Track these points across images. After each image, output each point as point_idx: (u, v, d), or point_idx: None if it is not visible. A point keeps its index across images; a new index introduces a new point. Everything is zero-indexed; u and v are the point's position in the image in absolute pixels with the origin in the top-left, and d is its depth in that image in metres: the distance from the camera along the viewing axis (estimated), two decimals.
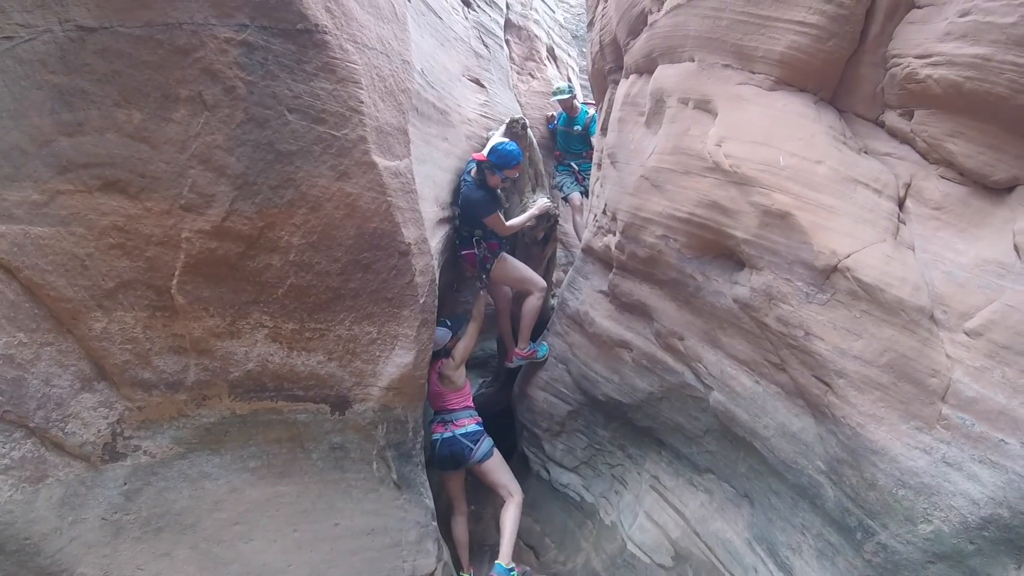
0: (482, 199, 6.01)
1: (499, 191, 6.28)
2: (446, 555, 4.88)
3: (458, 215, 6.18)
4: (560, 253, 9.22)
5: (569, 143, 9.52)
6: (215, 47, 3.37)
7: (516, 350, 6.70)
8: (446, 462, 5.77)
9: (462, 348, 5.97)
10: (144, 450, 3.75)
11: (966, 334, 2.97)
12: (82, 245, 3.42)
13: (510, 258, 6.49)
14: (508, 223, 6.30)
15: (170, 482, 3.81)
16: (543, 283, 6.65)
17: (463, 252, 6.27)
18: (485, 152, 6.01)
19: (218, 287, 3.81)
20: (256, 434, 4.13)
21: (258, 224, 3.75)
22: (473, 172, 6.09)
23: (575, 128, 9.30)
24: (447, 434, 5.79)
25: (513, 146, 6.05)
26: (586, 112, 9.26)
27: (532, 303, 6.51)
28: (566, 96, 9.09)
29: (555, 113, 9.84)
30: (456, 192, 6.24)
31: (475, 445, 5.79)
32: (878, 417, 3.13)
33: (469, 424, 5.89)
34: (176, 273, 3.66)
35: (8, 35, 3.09)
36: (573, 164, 9.50)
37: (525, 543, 6.29)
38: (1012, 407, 2.76)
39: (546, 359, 6.61)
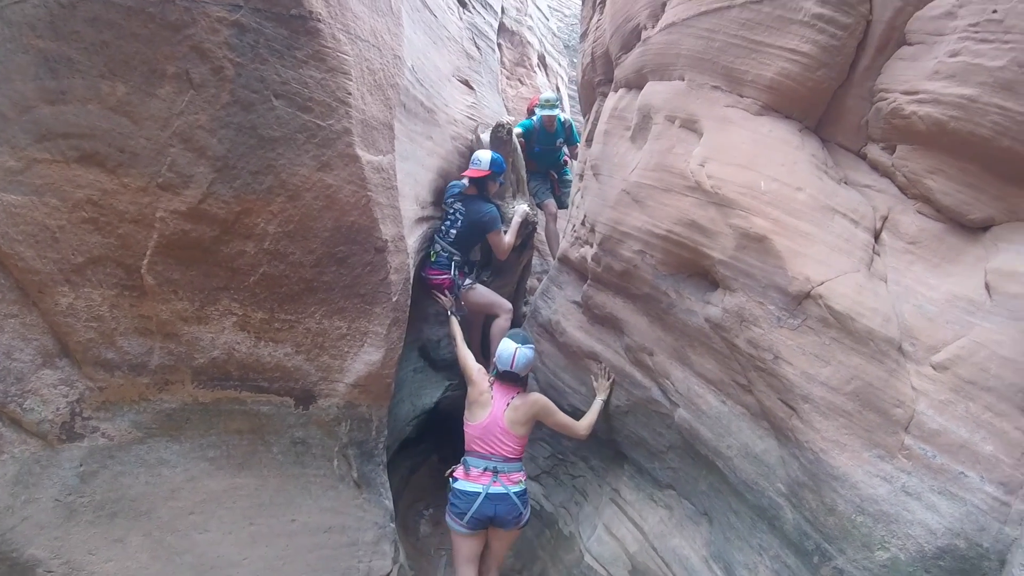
0: (490, 213, 6.18)
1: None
2: (403, 557, 4.85)
3: (451, 236, 6.15)
4: (535, 261, 9.21)
5: (550, 157, 8.92)
6: (206, 25, 3.34)
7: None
8: (480, 522, 4.65)
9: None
10: (102, 432, 3.68)
11: (932, 367, 3.01)
12: (54, 217, 3.36)
13: (478, 287, 6.44)
14: (504, 242, 6.42)
15: (127, 467, 3.74)
16: (509, 305, 6.63)
17: (436, 276, 6.13)
18: (486, 167, 6.18)
19: (189, 270, 3.77)
20: (217, 423, 4.08)
21: (235, 209, 3.72)
22: (467, 190, 6.21)
23: (557, 142, 8.77)
24: (497, 489, 4.64)
25: (494, 152, 6.35)
26: (561, 121, 8.73)
27: (500, 324, 6.49)
28: (554, 112, 8.45)
29: (535, 123, 8.77)
30: (438, 193, 6.26)
31: (526, 509, 4.77)
32: (841, 443, 3.16)
33: (522, 480, 4.82)
34: (148, 253, 3.61)
35: None
36: (552, 172, 9.09)
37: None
38: (974, 441, 2.80)
39: None
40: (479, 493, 4.59)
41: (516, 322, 7.03)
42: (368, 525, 4.50)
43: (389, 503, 4.73)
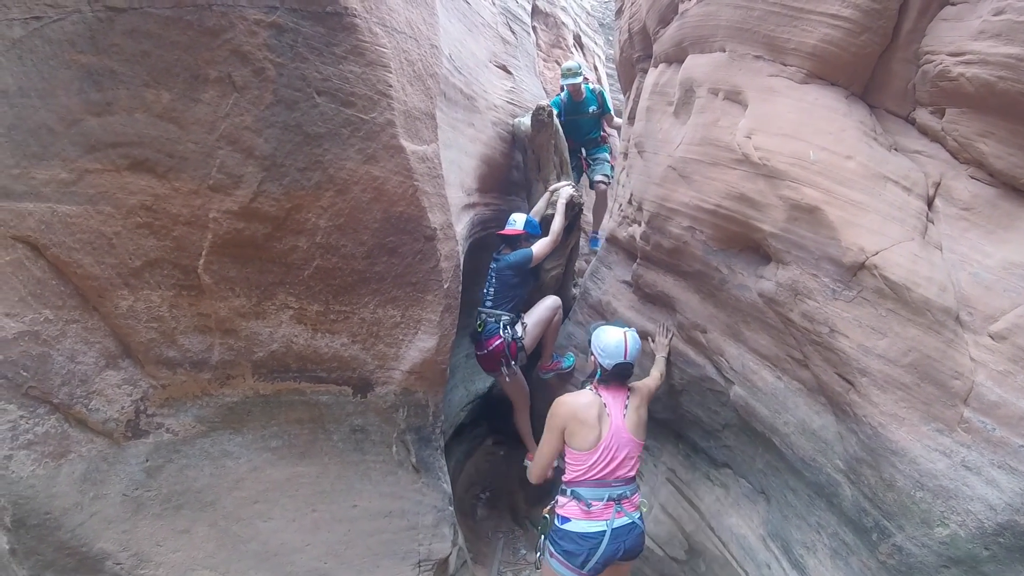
0: (524, 251, 6.06)
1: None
2: (461, 540, 4.92)
3: (490, 297, 6.04)
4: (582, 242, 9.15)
5: (582, 130, 8.58)
6: (245, 29, 3.39)
7: (542, 364, 6.52)
8: (605, 565, 3.77)
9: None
10: (167, 428, 3.81)
11: (991, 337, 2.92)
12: (109, 224, 3.47)
13: (528, 327, 6.10)
14: (552, 231, 6.32)
15: (191, 460, 3.87)
16: (557, 300, 6.41)
17: (492, 343, 5.85)
18: (520, 228, 6.13)
19: (244, 268, 3.85)
20: (278, 414, 4.18)
21: (285, 206, 3.78)
22: (502, 250, 6.19)
23: (591, 110, 8.46)
24: (621, 521, 3.80)
25: (530, 216, 6.34)
26: (591, 90, 8.49)
27: (555, 322, 6.33)
28: (578, 80, 8.23)
29: (563, 97, 8.49)
30: (482, 180, 6.26)
31: (644, 532, 4.01)
32: (899, 417, 3.10)
33: (643, 501, 4.07)
34: (203, 253, 3.70)
35: (37, 15, 3.13)
36: (581, 151, 8.76)
37: (539, 532, 6.30)
38: None
39: (573, 368, 6.46)
40: (603, 532, 3.73)
41: (566, 305, 7.04)
42: (427, 509, 4.57)
43: (447, 487, 4.79)
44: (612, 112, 8.65)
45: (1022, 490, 2.66)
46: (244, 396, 4.07)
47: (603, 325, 4.36)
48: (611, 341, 4.15)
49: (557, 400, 4.08)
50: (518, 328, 5.93)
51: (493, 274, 6.06)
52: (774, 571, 3.96)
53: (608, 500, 3.80)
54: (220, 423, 3.99)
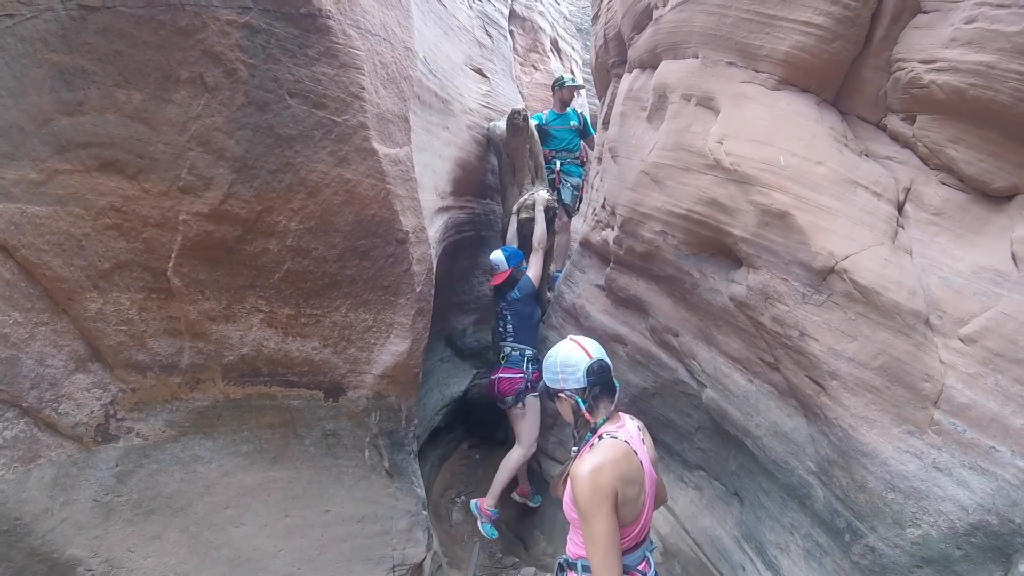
0: (525, 282, 6.18)
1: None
2: (436, 544, 4.89)
3: (510, 333, 6.08)
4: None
5: (560, 140, 8.44)
6: (217, 29, 3.36)
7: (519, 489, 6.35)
8: None
9: None
10: (137, 432, 3.75)
11: (961, 340, 2.96)
12: (79, 225, 3.41)
13: (532, 405, 5.93)
14: (535, 241, 6.41)
15: (162, 465, 3.82)
16: (533, 441, 6.02)
17: (507, 375, 5.91)
18: (505, 267, 6.21)
19: (214, 270, 3.81)
20: (249, 419, 4.13)
21: (256, 208, 3.75)
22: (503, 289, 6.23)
23: (571, 124, 8.42)
24: (652, 567, 3.06)
25: (508, 249, 6.48)
26: (574, 110, 8.54)
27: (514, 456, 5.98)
28: (575, 86, 8.31)
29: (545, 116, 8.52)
30: (457, 183, 6.23)
31: None
32: (870, 420, 3.13)
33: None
34: (173, 255, 3.66)
35: (9, 12, 3.08)
36: (557, 162, 8.28)
37: (515, 535, 6.30)
38: (1004, 415, 2.75)
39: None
40: None
41: (540, 308, 7.04)
42: (401, 514, 4.54)
43: (421, 491, 4.76)
44: (594, 136, 8.30)
45: (993, 490, 2.70)
46: (214, 400, 4.02)
47: (544, 362, 3.31)
48: (563, 354, 3.17)
49: (585, 468, 2.73)
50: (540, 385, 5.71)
51: (507, 311, 6.12)
52: (748, 572, 3.98)
53: (645, 556, 3.02)
54: (190, 427, 3.94)
